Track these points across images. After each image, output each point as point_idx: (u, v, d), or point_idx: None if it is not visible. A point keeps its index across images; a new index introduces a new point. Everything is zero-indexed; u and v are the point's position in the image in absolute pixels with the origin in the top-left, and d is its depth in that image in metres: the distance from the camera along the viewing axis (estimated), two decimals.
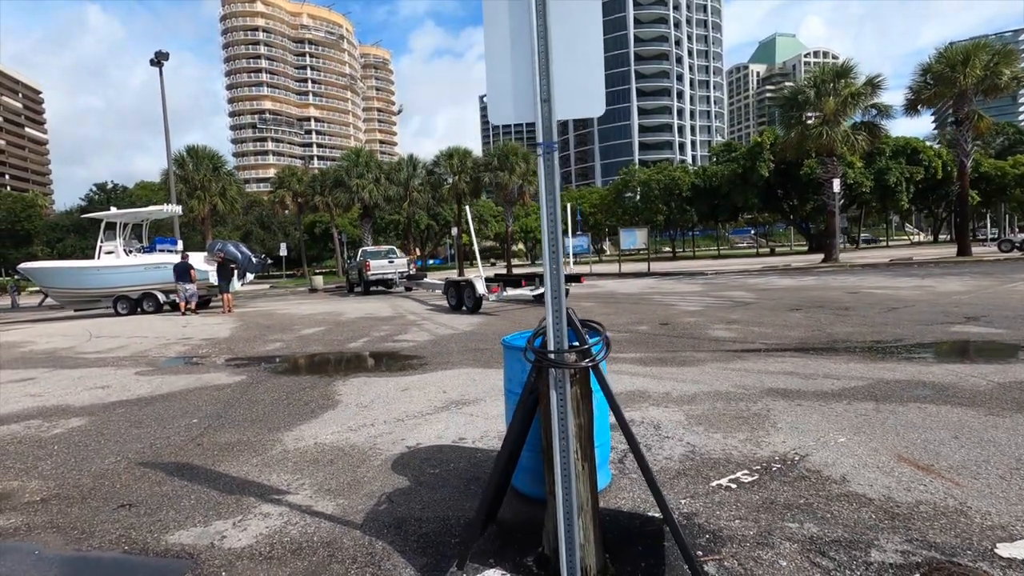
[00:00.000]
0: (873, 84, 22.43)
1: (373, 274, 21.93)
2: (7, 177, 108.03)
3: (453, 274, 26.51)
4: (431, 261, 60.52)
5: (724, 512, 2.68)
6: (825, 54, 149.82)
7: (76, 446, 4.32)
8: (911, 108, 23.67)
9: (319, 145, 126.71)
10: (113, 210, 19.35)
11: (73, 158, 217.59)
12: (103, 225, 18.50)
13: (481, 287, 12.77)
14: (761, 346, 6.85)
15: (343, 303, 18.10)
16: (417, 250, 50.89)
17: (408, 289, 21.31)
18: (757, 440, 3.62)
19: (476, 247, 14.77)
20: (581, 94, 2.07)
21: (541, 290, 13.68)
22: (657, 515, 2.69)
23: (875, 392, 4.56)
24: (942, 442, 3.41)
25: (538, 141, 2.04)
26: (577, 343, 2.22)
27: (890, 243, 52.39)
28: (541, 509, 2.79)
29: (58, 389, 6.55)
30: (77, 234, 45.49)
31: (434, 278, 18.92)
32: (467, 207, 18.73)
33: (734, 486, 2.96)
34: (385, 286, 22.66)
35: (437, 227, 53.90)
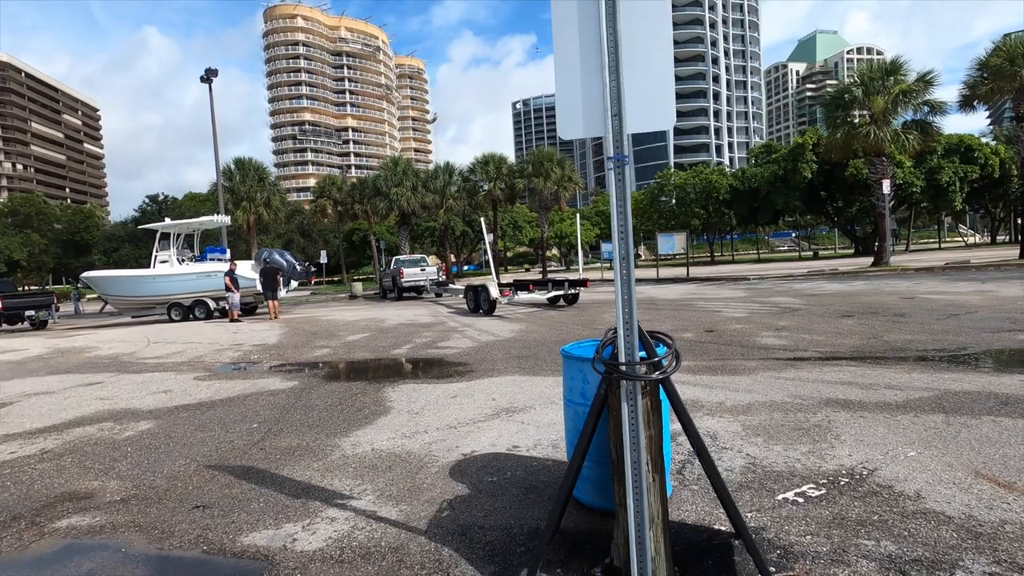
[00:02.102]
0: (925, 80, 21.51)
1: (407, 281, 22.97)
2: (67, 191, 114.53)
3: (487, 280, 26.88)
4: (467, 267, 61.01)
5: (793, 527, 2.62)
6: (869, 50, 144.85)
7: (147, 448, 4.54)
8: (966, 104, 22.58)
9: (356, 154, 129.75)
10: (167, 221, 20.28)
11: (130, 172, 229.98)
12: (158, 235, 19.40)
13: (494, 291, 13.96)
14: (814, 354, 6.66)
15: (383, 309, 18.44)
16: (453, 256, 51.42)
17: (438, 295, 22.07)
18: (821, 453, 3.52)
19: (491, 255, 15.87)
20: (652, 107, 2.09)
21: (554, 293, 14.74)
22: (724, 528, 2.65)
23: (943, 404, 4.37)
24: (1023, 458, 3.25)
25: (608, 155, 2.06)
26: (646, 354, 2.22)
27: (942, 245, 50.05)
28: (602, 519, 2.80)
29: (125, 393, 6.89)
30: (132, 244, 47.79)
31: (461, 284, 19.57)
32: (482, 219, 19.44)
33: (801, 500, 2.89)
34: (416, 292, 23.54)
35: (472, 233, 54.35)
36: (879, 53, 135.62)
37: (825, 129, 28.52)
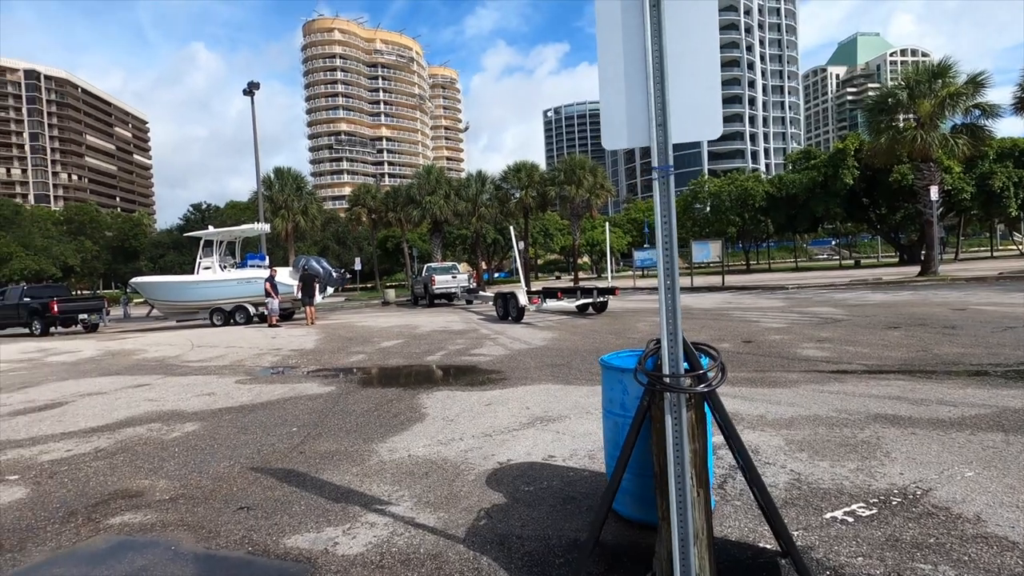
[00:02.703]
0: (976, 82, 20.62)
1: (438, 288, 23.21)
2: (118, 199, 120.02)
3: (516, 287, 26.99)
4: (497, 275, 61.22)
5: (843, 547, 2.53)
6: (914, 52, 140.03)
7: (193, 449, 4.69)
8: (1021, 107, 21.57)
9: (390, 163, 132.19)
10: (211, 229, 21.02)
11: (176, 181, 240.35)
12: (202, 243, 20.12)
13: (523, 299, 14.22)
14: (859, 367, 6.42)
15: (415, 316, 18.65)
16: (484, 263, 51.71)
17: (469, 302, 22.25)
18: (870, 470, 3.39)
19: (521, 263, 16.05)
20: (697, 117, 2.07)
21: (583, 301, 14.86)
22: (769, 546, 2.57)
23: (1002, 422, 4.15)
24: None
25: (653, 165, 2.05)
26: (689, 366, 2.19)
27: (995, 253, 47.77)
28: (641, 532, 2.76)
29: (171, 395, 7.14)
30: (176, 250, 49.70)
31: (491, 291, 19.74)
32: (511, 227, 19.66)
33: (851, 519, 2.79)
34: (447, 299, 23.71)
35: (503, 241, 54.55)
36: (924, 55, 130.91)
37: (867, 134, 27.67)
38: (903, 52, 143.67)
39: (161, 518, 3.31)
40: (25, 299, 20.01)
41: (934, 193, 21.60)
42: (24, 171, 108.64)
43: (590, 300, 14.69)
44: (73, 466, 4.41)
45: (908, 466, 3.42)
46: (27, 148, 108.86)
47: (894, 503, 2.94)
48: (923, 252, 24.04)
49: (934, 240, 22.75)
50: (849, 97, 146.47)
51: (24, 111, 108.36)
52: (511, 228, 18.27)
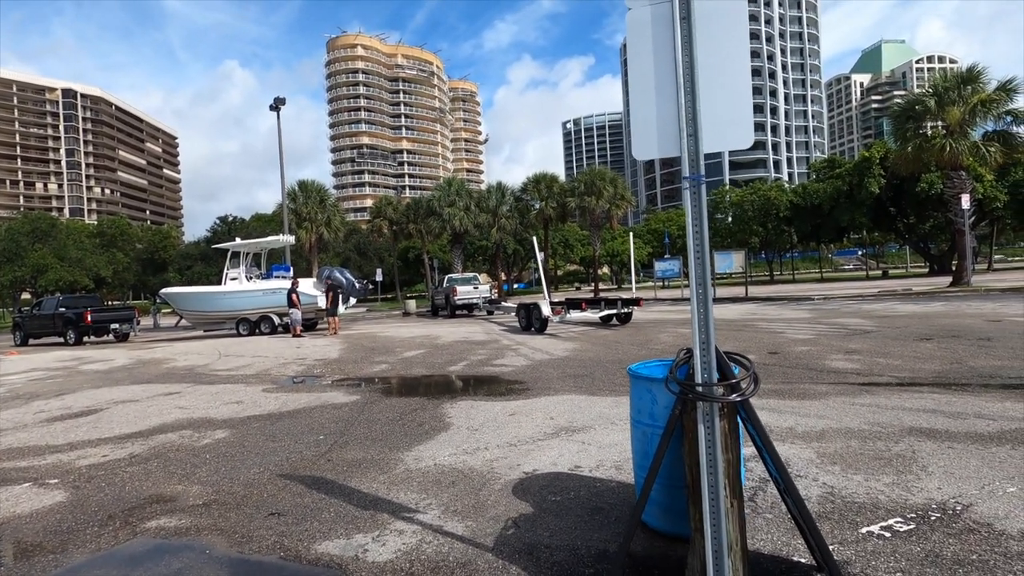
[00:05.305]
0: (1007, 89, 20.15)
1: (459, 299, 23.30)
2: (147, 212, 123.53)
3: (539, 298, 26.94)
4: (516, 285, 61.27)
5: (881, 563, 2.47)
6: (941, 59, 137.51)
7: (224, 456, 4.78)
8: None
9: (410, 176, 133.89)
10: (238, 241, 21.50)
11: (209, 195, 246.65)
12: (229, 254, 20.57)
13: (546, 309, 14.12)
14: (891, 379, 6.28)
15: (437, 326, 18.76)
16: (503, 274, 51.81)
17: (490, 312, 22.29)
18: (906, 485, 3.31)
19: (543, 274, 16.19)
20: (728, 126, 2.08)
21: (607, 312, 14.79)
22: (803, 560, 2.53)
23: None
24: None
25: (684, 175, 2.06)
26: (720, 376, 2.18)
27: None
28: (670, 544, 2.73)
29: (201, 403, 7.29)
30: (203, 262, 50.78)
31: (512, 302, 19.78)
32: (534, 237, 19.75)
33: (887, 534, 2.72)
34: (468, 310, 23.73)
35: (523, 252, 54.66)
36: (952, 61, 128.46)
37: (894, 142, 27.20)
38: (929, 59, 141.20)
39: (195, 523, 3.38)
40: (60, 309, 20.65)
41: (965, 202, 21.08)
42: (60, 186, 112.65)
43: (614, 311, 14.61)
44: (109, 471, 4.53)
45: (946, 481, 3.33)
46: (63, 164, 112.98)
47: (933, 518, 2.86)
48: (954, 262, 23.42)
49: (966, 250, 22.16)
50: (874, 105, 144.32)
51: (61, 128, 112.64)
52: (534, 240, 18.38)
